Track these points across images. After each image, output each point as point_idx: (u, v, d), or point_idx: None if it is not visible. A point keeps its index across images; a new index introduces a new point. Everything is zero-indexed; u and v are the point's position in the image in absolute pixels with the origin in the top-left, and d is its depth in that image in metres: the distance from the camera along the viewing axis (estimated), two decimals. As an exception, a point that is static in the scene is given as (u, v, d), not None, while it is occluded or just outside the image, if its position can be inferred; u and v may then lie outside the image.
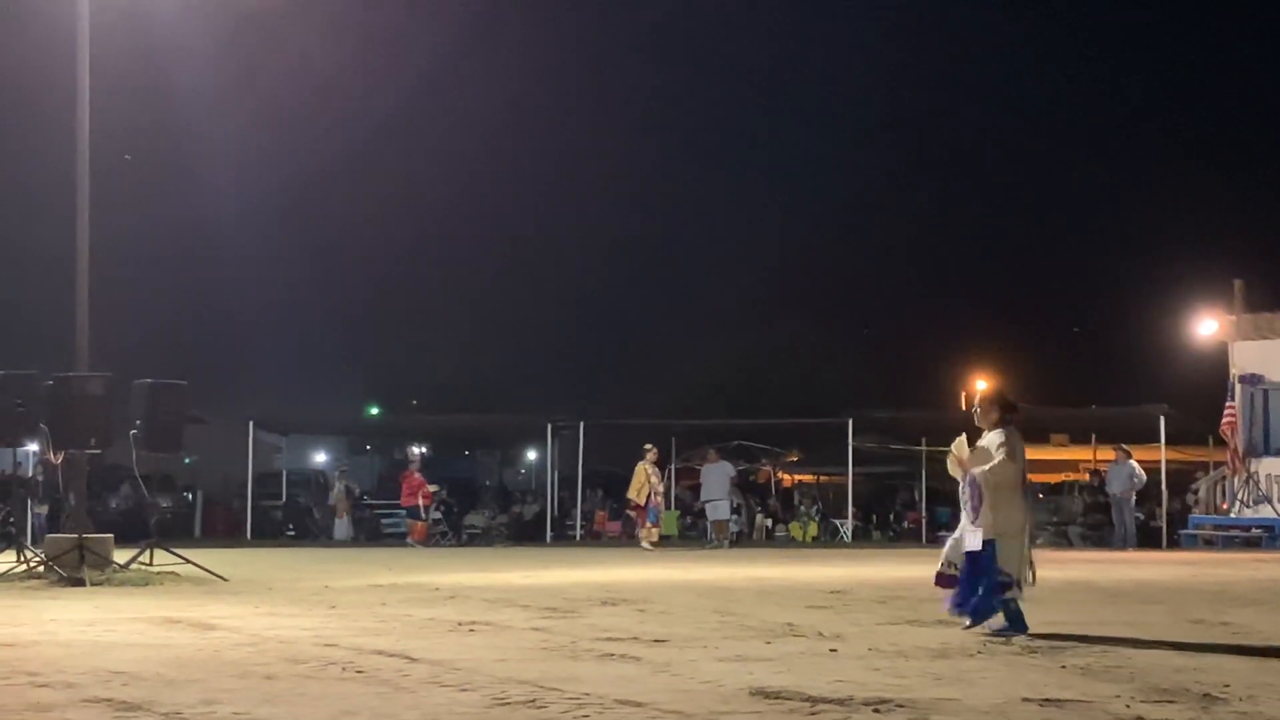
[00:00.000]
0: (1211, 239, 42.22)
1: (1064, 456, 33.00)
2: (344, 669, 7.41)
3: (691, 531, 29.11)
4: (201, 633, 9.34)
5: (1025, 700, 6.34)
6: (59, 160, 17.43)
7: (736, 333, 51.54)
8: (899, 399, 34.81)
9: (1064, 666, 7.51)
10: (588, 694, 6.46)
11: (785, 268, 54.24)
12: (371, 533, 29.60)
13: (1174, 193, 49.50)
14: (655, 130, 57.32)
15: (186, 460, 32.07)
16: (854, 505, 29.98)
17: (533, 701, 6.29)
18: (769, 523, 30.53)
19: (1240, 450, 25.33)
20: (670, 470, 29.63)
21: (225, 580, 14.37)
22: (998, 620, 9.04)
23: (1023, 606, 9.08)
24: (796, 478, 35.75)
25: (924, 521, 29.86)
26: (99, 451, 16.29)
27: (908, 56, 57.76)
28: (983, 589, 9.07)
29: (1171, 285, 34.39)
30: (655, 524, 25.16)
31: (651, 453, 25.21)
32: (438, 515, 28.21)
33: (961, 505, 9.41)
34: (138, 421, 15.48)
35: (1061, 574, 15.42)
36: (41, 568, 14.33)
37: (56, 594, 12.95)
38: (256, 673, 7.26)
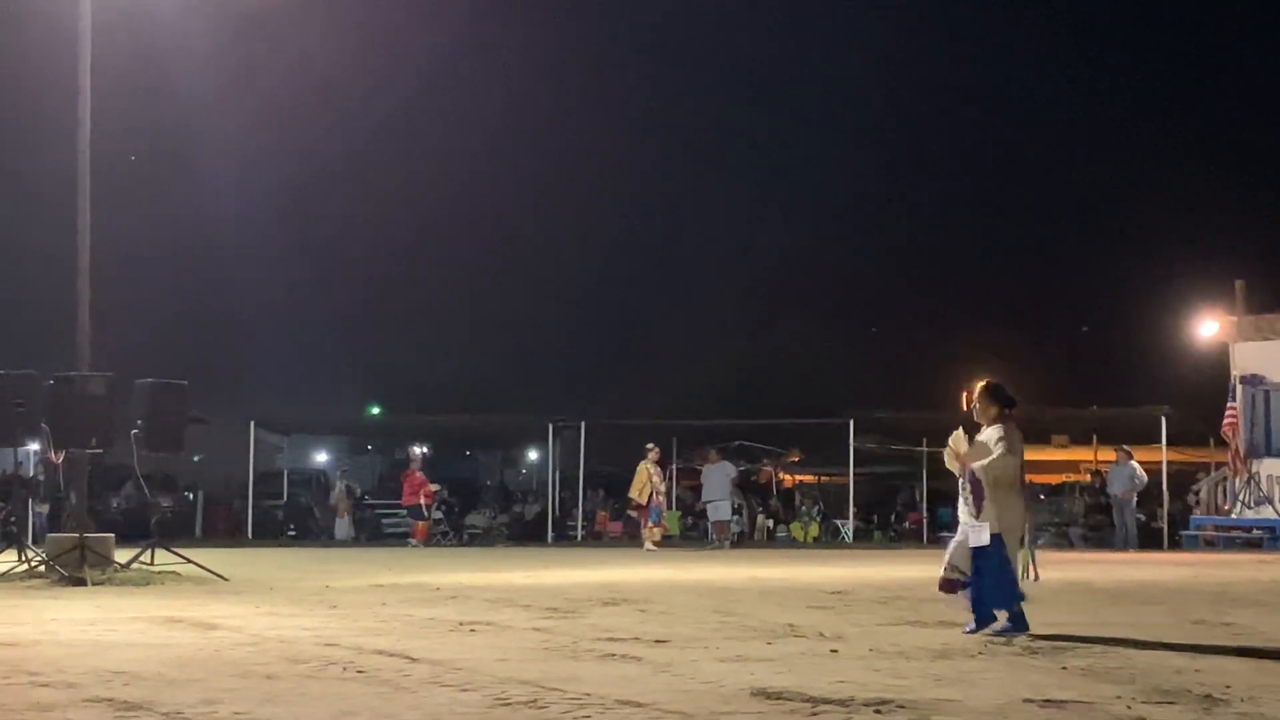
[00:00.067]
0: (1213, 240, 42.18)
1: (1065, 457, 32.99)
2: (345, 669, 7.41)
3: (693, 532, 29.12)
4: (203, 632, 9.34)
5: (1026, 701, 6.33)
6: (60, 160, 17.42)
7: (738, 333, 51.54)
8: (900, 399, 34.76)
9: (1065, 667, 7.50)
10: (589, 694, 6.46)
11: (786, 268, 54.20)
12: (372, 533, 29.62)
13: (1175, 193, 49.44)
14: (655, 130, 57.24)
15: (195, 458, 32.09)
16: (855, 506, 29.99)
17: (534, 702, 6.29)
18: (770, 523, 30.54)
19: (1241, 451, 25.35)
20: (671, 471, 29.62)
21: (226, 580, 14.38)
22: (1000, 620, 9.02)
23: (1024, 606, 9.08)
24: (798, 478, 35.75)
25: (925, 522, 29.87)
26: (100, 451, 16.30)
27: (908, 56, 57.64)
28: (993, 583, 9.00)
29: (1173, 286, 34.41)
30: (657, 524, 25.16)
31: (653, 452, 25.20)
32: (439, 515, 28.23)
33: (961, 501, 9.33)
34: (139, 421, 15.49)
35: (1062, 575, 15.43)
36: (43, 567, 14.34)
37: (57, 593, 12.96)
38: (257, 672, 7.26)
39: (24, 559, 14.79)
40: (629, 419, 32.18)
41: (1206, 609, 11.28)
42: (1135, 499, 25.57)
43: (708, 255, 56.63)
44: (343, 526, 29.28)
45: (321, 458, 41.15)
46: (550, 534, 29.06)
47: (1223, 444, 26.46)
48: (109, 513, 25.58)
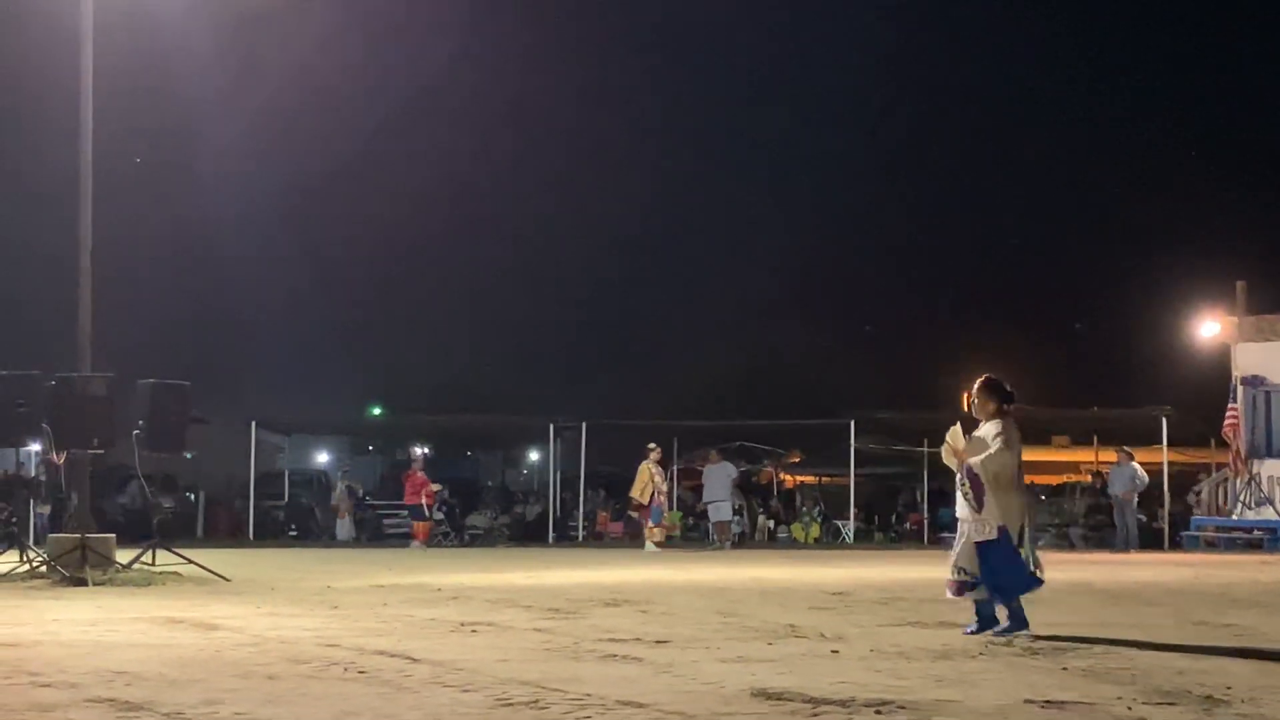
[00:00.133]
0: (1213, 240, 42.15)
1: (1065, 458, 32.98)
2: (346, 669, 7.42)
3: (694, 532, 29.11)
4: (204, 633, 9.34)
5: (1027, 702, 6.34)
6: (61, 160, 17.43)
7: (738, 333, 51.52)
8: (901, 400, 34.75)
9: (1066, 668, 7.50)
10: (590, 695, 6.46)
11: (787, 268, 54.17)
12: (374, 533, 29.61)
13: (1176, 194, 49.39)
14: (656, 130, 57.23)
15: (187, 454, 32.07)
16: (856, 506, 29.96)
17: (535, 702, 6.30)
18: (771, 524, 30.53)
19: (1242, 452, 25.33)
20: (672, 471, 29.62)
21: (227, 580, 14.38)
22: (1001, 620, 9.02)
23: (1025, 606, 9.08)
24: (798, 479, 35.75)
25: (926, 523, 29.86)
26: (101, 452, 16.31)
27: (908, 56, 57.62)
28: (1007, 575, 8.98)
29: (1174, 287, 34.34)
30: (658, 524, 25.15)
31: (655, 452, 25.19)
32: (440, 516, 28.24)
33: (959, 498, 9.30)
34: (140, 422, 15.50)
35: (1063, 575, 15.41)
36: (44, 568, 14.35)
37: (59, 594, 12.96)
38: (259, 673, 7.26)
39: (25, 559, 14.80)
40: (630, 419, 32.17)
41: (1208, 610, 11.28)
42: (1136, 500, 25.56)
43: (709, 255, 56.64)
44: (344, 527, 29.28)
45: (323, 458, 41.17)
46: (551, 534, 29.06)
47: (1224, 445, 26.45)
48: (114, 513, 25.57)
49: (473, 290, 54.31)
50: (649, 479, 24.82)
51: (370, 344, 52.09)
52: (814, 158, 57.71)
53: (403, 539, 27.23)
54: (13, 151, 35.26)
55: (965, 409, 9.70)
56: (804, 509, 30.85)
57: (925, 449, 27.61)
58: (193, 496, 31.75)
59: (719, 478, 25.95)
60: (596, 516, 30.37)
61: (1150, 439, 26.99)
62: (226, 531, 29.71)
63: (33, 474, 22.09)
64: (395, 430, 38.88)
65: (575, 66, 53.80)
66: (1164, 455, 27.12)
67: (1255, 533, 24.77)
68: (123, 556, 14.97)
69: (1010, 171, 56.52)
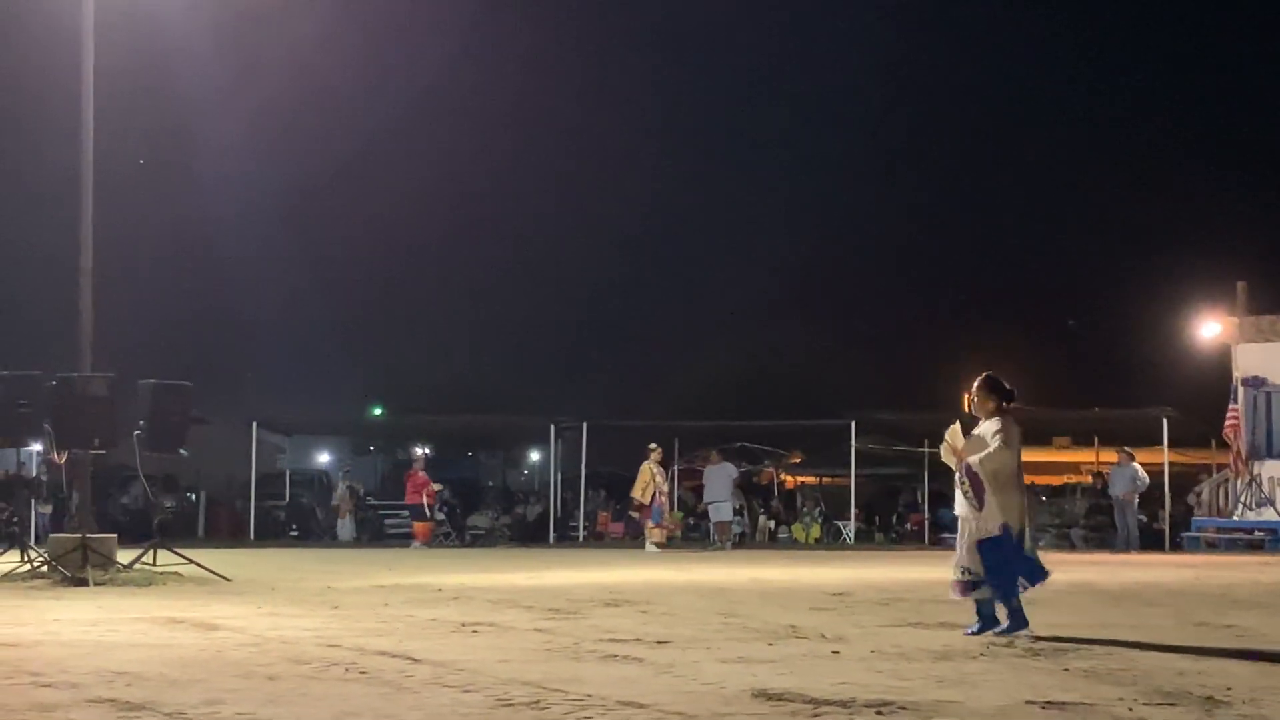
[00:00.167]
0: (1214, 241, 42.15)
1: (1066, 459, 32.96)
2: (347, 670, 7.42)
3: (694, 533, 29.11)
4: (205, 633, 9.35)
5: (1028, 703, 6.34)
6: (62, 160, 17.43)
7: (739, 334, 51.53)
8: (902, 401, 34.75)
9: (1067, 669, 7.50)
10: (590, 695, 6.46)
11: (787, 268, 54.20)
12: (375, 533, 29.62)
13: (1176, 194, 49.41)
14: (656, 131, 57.25)
15: (183, 451, 32.05)
16: (856, 507, 29.95)
17: (536, 703, 6.30)
18: (772, 524, 30.51)
19: (1243, 453, 25.33)
20: (673, 471, 29.62)
21: (228, 581, 14.39)
22: (1002, 620, 9.02)
23: (1025, 607, 9.07)
24: (799, 479, 35.73)
25: (927, 523, 29.84)
26: (103, 452, 16.32)
27: (908, 56, 57.66)
28: (1003, 575, 8.96)
29: (1174, 287, 34.32)
30: (659, 524, 25.15)
31: (656, 452, 25.18)
32: (441, 516, 28.25)
33: (958, 496, 9.29)
34: (141, 422, 15.50)
35: (1064, 576, 15.38)
36: (45, 568, 14.35)
37: (60, 594, 12.97)
38: (259, 673, 7.26)
39: (26, 559, 14.80)
40: (631, 420, 32.19)
41: (1208, 611, 11.27)
42: (1137, 500, 25.55)
43: (709, 256, 56.68)
44: (345, 527, 29.30)
45: (324, 458, 41.18)
46: (552, 535, 29.07)
47: (1224, 446, 26.44)
48: (115, 513, 25.57)
49: (473, 290, 54.37)
50: (650, 479, 24.81)
51: (370, 344, 52.14)
52: (814, 158, 57.78)
53: (404, 539, 27.23)
54: (13, 151, 35.29)
55: (966, 409, 9.68)
56: (805, 509, 30.84)
57: (926, 449, 27.61)
58: (194, 497, 31.77)
59: (720, 478, 25.94)
60: (597, 517, 30.37)
61: (1151, 440, 26.98)
62: (227, 532, 29.71)
63: (34, 474, 22.08)
64: (396, 430, 38.89)
65: (575, 66, 53.87)
66: (1165, 456, 27.10)
67: (1256, 534, 24.76)
68: (124, 556, 14.98)
69: (1010, 171, 56.57)
